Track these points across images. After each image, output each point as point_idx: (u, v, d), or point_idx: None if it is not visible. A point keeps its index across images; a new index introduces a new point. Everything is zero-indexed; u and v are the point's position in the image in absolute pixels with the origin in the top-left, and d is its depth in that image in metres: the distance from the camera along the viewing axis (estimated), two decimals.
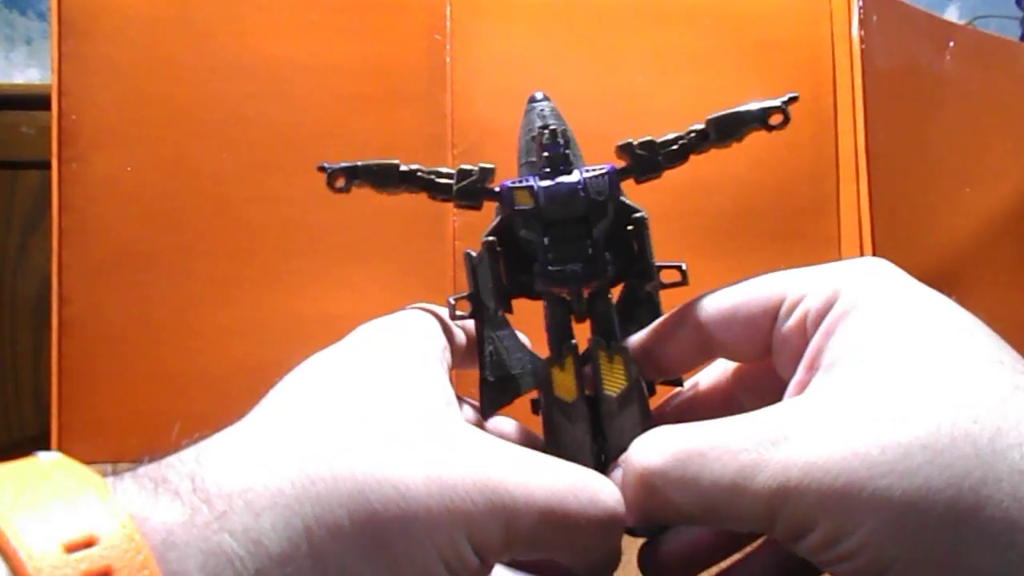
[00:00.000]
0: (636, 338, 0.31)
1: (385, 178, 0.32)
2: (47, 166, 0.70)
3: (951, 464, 0.21)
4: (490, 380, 0.31)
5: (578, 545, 0.25)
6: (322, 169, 0.32)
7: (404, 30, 0.73)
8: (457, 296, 0.31)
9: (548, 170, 0.30)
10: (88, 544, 0.17)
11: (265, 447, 0.22)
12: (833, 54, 0.74)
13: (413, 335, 0.29)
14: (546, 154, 0.30)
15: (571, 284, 0.29)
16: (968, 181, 0.82)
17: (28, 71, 1.28)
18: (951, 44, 0.82)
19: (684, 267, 0.30)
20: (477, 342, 0.31)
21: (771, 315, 0.27)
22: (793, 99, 0.31)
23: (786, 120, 0.31)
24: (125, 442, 0.66)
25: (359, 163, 0.32)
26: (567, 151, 0.31)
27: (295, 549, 0.20)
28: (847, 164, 0.74)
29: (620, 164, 0.30)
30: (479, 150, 0.72)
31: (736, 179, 0.73)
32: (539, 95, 0.32)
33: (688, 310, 0.29)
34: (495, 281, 0.31)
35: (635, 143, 0.31)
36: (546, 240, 0.29)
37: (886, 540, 0.21)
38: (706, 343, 0.29)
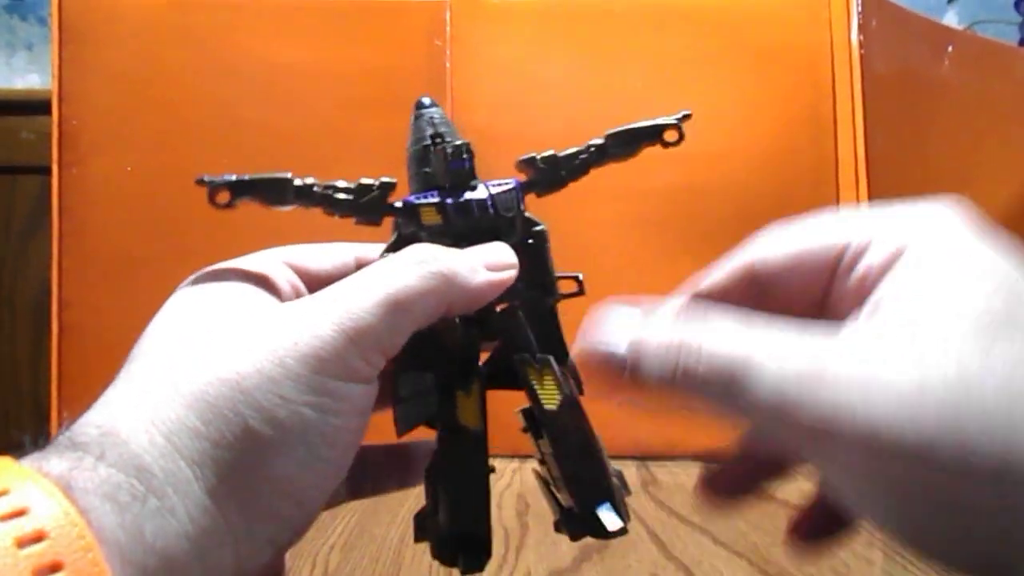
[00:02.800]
0: (706, 282, 0.28)
1: (277, 193, 0.31)
2: (47, 171, 0.70)
3: (989, 419, 0.20)
4: (403, 396, 0.29)
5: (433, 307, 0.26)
6: (201, 183, 0.30)
7: (404, 36, 0.73)
8: None
9: (452, 187, 0.30)
10: (2, 493, 0.19)
11: (121, 396, 0.24)
12: (832, 59, 0.74)
13: (239, 273, 0.30)
14: (453, 169, 0.30)
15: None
16: (967, 185, 0.82)
17: (29, 76, 1.28)
18: (950, 49, 0.82)
19: (581, 277, 0.30)
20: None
21: (832, 267, 0.25)
22: (686, 116, 0.30)
23: (681, 137, 0.30)
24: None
25: (246, 176, 0.31)
26: (472, 166, 0.30)
27: (173, 462, 0.22)
28: (846, 169, 0.74)
29: (522, 177, 0.30)
30: (479, 155, 0.72)
31: (736, 184, 0.73)
32: (426, 100, 0.32)
33: (744, 262, 0.27)
34: None
35: (538, 157, 0.31)
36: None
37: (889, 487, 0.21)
38: (761, 296, 0.26)
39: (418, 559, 0.46)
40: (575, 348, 0.27)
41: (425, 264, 0.26)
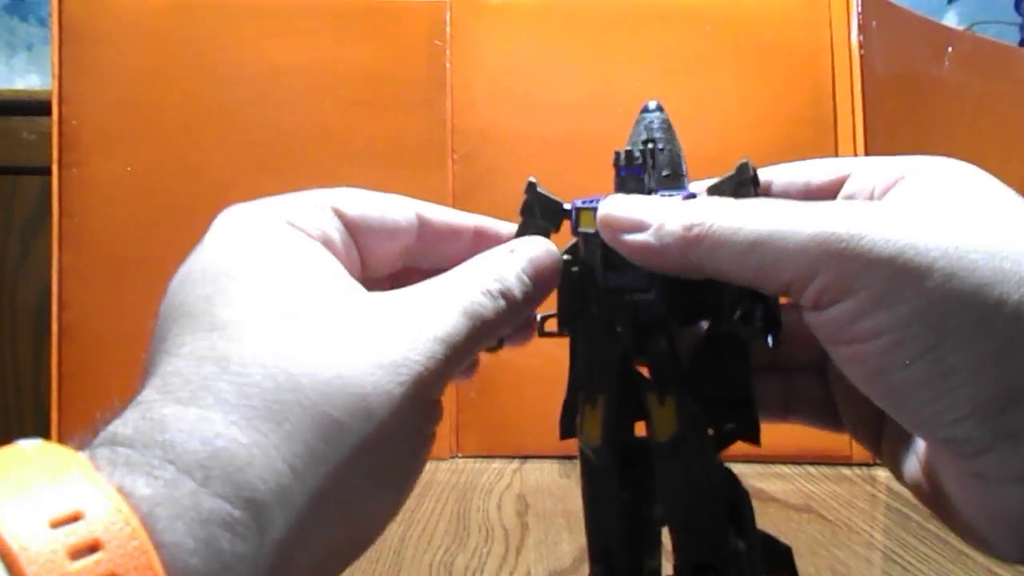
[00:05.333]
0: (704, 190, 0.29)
1: None
2: (47, 171, 0.70)
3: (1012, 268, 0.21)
4: (568, 398, 0.28)
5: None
6: None
7: (404, 36, 0.74)
8: (545, 315, 0.30)
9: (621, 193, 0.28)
10: (75, 519, 0.17)
11: (214, 393, 0.21)
12: (832, 60, 0.74)
13: (281, 220, 0.27)
14: (621, 176, 0.28)
15: (623, 317, 0.27)
16: None
17: (29, 77, 1.28)
18: (950, 50, 0.82)
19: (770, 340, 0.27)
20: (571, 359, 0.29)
21: (835, 190, 0.28)
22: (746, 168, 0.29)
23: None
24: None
25: None
26: (645, 174, 0.28)
27: (286, 493, 0.20)
28: None
29: (701, 192, 0.28)
30: (479, 155, 0.72)
31: None
32: (652, 104, 0.29)
33: (767, 184, 0.29)
34: (560, 302, 0.29)
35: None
36: (606, 267, 0.27)
37: (927, 317, 0.21)
38: None
39: (418, 559, 0.46)
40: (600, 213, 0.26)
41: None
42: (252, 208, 0.27)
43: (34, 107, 0.99)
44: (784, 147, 0.73)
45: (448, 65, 0.73)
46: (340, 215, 0.27)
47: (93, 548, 0.17)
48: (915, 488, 0.27)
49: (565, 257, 0.28)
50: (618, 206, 0.26)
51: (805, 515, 0.52)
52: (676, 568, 0.26)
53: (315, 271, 0.25)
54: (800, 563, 0.41)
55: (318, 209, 0.27)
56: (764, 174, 0.29)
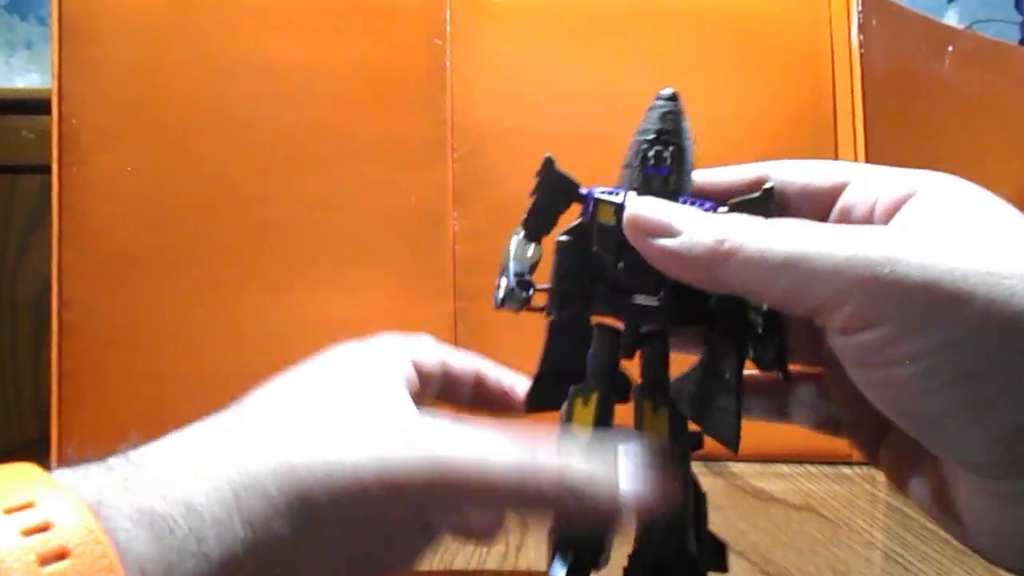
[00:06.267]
0: (700, 178, 0.29)
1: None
2: (47, 170, 0.70)
3: None
4: (543, 372, 0.29)
5: (521, 511, 0.26)
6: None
7: (404, 34, 0.73)
8: (538, 287, 0.30)
9: (643, 192, 0.27)
10: (28, 506, 0.19)
11: (204, 439, 0.24)
12: (833, 58, 0.74)
13: (371, 353, 0.29)
14: (646, 173, 0.27)
15: (629, 318, 0.27)
16: None
17: (28, 75, 1.28)
18: (950, 48, 0.82)
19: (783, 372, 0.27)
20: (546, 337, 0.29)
21: (833, 199, 0.28)
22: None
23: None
24: (115, 447, 0.66)
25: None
26: (671, 175, 0.27)
27: (226, 513, 0.21)
28: None
29: (723, 207, 0.28)
30: (479, 153, 0.72)
31: None
32: (666, 92, 0.28)
33: (757, 173, 0.29)
34: (554, 284, 0.29)
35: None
36: (619, 265, 0.27)
37: (968, 343, 0.21)
38: None
39: None
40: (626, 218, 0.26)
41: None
42: (361, 343, 0.30)
43: (34, 105, 0.98)
44: (784, 146, 0.73)
45: (448, 63, 0.73)
46: (414, 363, 0.30)
47: (62, 556, 0.19)
48: (918, 498, 0.27)
49: (562, 238, 0.28)
50: (649, 208, 0.25)
51: (805, 514, 0.52)
52: (631, 563, 0.27)
53: (368, 389, 0.27)
54: (800, 562, 0.41)
55: (428, 348, 0.31)
56: (761, 168, 0.29)
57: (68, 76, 0.70)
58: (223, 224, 0.70)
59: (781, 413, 0.31)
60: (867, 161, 0.73)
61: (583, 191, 0.28)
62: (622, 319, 0.28)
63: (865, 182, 0.27)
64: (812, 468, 0.66)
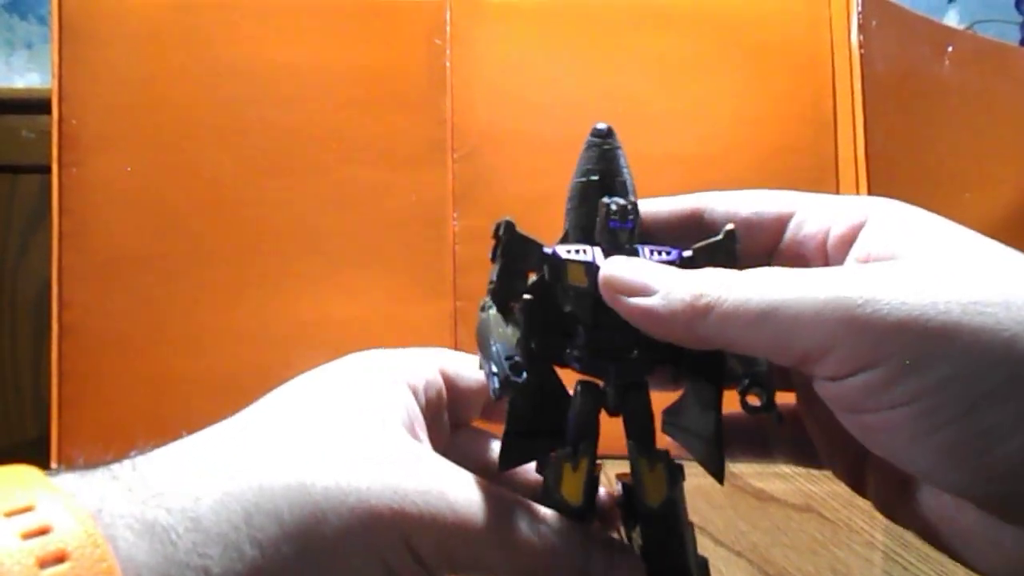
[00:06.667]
0: (650, 208, 0.29)
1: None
2: (47, 170, 0.70)
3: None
4: (510, 430, 0.28)
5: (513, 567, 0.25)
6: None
7: (404, 35, 0.73)
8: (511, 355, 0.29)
9: (607, 247, 0.27)
10: (28, 509, 0.19)
11: (213, 450, 0.24)
12: (833, 59, 0.74)
13: (387, 367, 0.29)
14: (611, 229, 0.27)
15: (611, 377, 0.27)
16: (968, 186, 0.82)
17: (28, 75, 1.28)
18: (950, 49, 0.82)
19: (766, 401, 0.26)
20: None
21: (779, 229, 0.28)
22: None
23: None
24: (125, 445, 0.66)
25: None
26: (636, 228, 0.27)
27: (234, 531, 0.21)
28: (847, 169, 0.74)
29: (686, 251, 0.27)
30: (479, 154, 0.72)
31: (736, 184, 0.72)
32: (602, 128, 0.28)
33: (693, 205, 0.29)
34: (524, 345, 0.28)
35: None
36: (593, 323, 0.27)
37: (962, 379, 0.21)
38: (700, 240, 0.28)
39: None
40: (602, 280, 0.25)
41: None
42: (366, 354, 0.30)
43: (34, 105, 0.99)
44: (784, 147, 0.73)
45: (448, 64, 0.73)
46: (442, 372, 0.30)
47: (60, 559, 0.19)
48: (910, 524, 0.27)
49: (527, 297, 0.28)
50: (624, 270, 0.25)
51: (805, 515, 0.52)
52: None
53: (369, 406, 0.26)
54: (800, 562, 0.41)
55: (425, 364, 0.30)
56: (699, 200, 0.29)
57: (68, 76, 0.70)
58: (223, 225, 0.70)
59: (764, 452, 0.32)
60: (868, 161, 0.73)
61: (547, 251, 0.27)
62: (604, 378, 0.28)
63: (812, 212, 0.27)
64: (812, 469, 0.66)
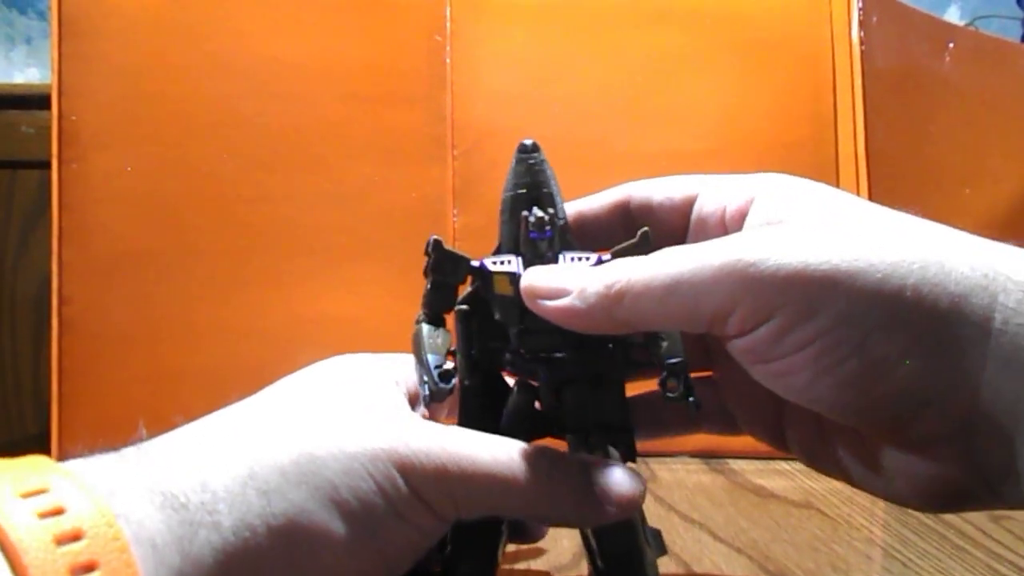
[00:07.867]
0: (574, 208, 0.32)
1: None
2: (47, 166, 0.70)
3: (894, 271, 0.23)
4: None
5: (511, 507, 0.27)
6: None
7: (404, 31, 0.73)
8: (452, 349, 0.31)
9: (529, 257, 0.29)
10: (43, 491, 0.20)
11: (214, 428, 0.26)
12: (833, 55, 0.74)
13: (373, 364, 0.32)
14: (531, 239, 0.29)
15: (543, 375, 0.29)
16: (968, 182, 0.82)
17: (28, 71, 1.28)
18: (951, 45, 0.82)
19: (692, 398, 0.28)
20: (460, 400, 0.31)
21: (686, 210, 0.31)
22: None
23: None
24: (125, 441, 0.66)
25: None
26: (555, 237, 0.29)
27: (240, 486, 0.23)
28: (847, 165, 0.74)
29: (606, 254, 0.29)
30: (479, 151, 0.72)
31: None
32: (528, 144, 0.30)
33: (620, 196, 0.32)
34: (464, 353, 0.30)
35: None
36: (522, 328, 0.29)
37: (848, 319, 0.24)
38: (628, 228, 0.31)
39: None
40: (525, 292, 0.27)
41: None
42: (349, 355, 0.32)
43: (33, 101, 0.99)
44: (784, 142, 0.73)
45: (448, 60, 0.73)
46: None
47: (76, 537, 0.20)
48: (832, 469, 0.30)
49: (462, 307, 0.30)
50: (541, 277, 0.28)
51: (805, 511, 0.52)
52: None
53: (366, 390, 0.29)
54: (800, 559, 0.41)
55: (401, 364, 0.33)
56: (621, 191, 0.32)
57: (68, 72, 0.70)
58: (223, 221, 0.69)
59: (688, 424, 0.35)
60: (868, 158, 0.73)
61: (475, 264, 0.30)
62: (537, 378, 0.30)
63: (711, 192, 0.30)
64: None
